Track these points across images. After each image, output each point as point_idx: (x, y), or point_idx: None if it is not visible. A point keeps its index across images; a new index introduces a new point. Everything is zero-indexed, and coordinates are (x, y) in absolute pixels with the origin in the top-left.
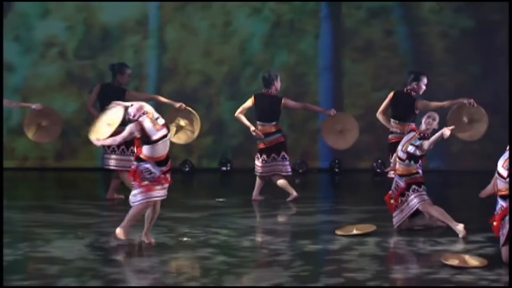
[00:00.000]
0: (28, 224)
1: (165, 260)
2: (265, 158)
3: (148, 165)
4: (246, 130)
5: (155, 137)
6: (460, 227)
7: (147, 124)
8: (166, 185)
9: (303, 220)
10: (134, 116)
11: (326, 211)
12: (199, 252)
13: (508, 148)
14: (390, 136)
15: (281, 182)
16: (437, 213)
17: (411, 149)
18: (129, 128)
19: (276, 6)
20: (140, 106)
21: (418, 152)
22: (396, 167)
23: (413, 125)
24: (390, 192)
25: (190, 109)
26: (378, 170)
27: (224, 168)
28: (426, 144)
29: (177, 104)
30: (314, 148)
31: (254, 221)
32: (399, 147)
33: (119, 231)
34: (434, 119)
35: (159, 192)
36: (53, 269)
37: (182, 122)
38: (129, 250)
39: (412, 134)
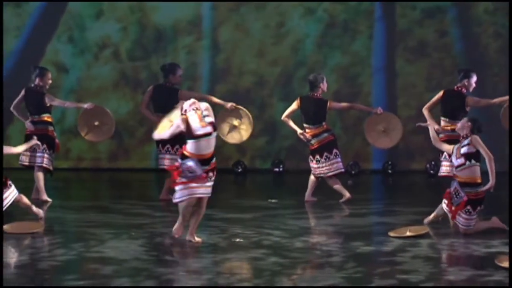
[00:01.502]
0: (82, 224)
1: (217, 261)
2: (319, 158)
3: (191, 163)
4: None
5: (198, 133)
6: None
7: (193, 118)
8: (208, 183)
9: (355, 222)
10: (185, 111)
11: (379, 213)
12: (252, 253)
13: None
14: (440, 136)
15: (334, 183)
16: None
17: (464, 150)
18: (176, 121)
19: (330, 6)
20: (193, 101)
21: (472, 149)
22: (457, 174)
23: None
24: (448, 191)
25: (240, 107)
26: (432, 172)
27: (276, 169)
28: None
29: (228, 104)
30: (367, 149)
31: (306, 222)
32: (453, 158)
33: (176, 226)
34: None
35: (200, 189)
36: (107, 269)
37: (235, 122)
38: (182, 250)
39: (457, 144)
